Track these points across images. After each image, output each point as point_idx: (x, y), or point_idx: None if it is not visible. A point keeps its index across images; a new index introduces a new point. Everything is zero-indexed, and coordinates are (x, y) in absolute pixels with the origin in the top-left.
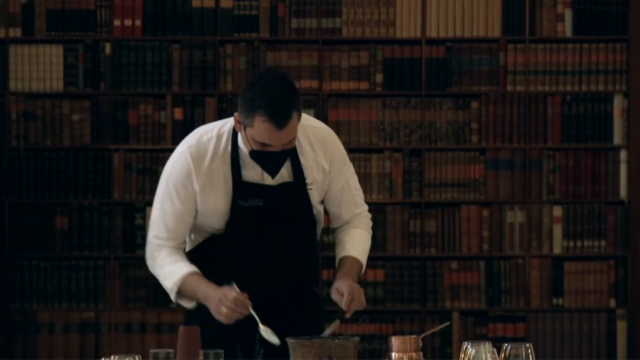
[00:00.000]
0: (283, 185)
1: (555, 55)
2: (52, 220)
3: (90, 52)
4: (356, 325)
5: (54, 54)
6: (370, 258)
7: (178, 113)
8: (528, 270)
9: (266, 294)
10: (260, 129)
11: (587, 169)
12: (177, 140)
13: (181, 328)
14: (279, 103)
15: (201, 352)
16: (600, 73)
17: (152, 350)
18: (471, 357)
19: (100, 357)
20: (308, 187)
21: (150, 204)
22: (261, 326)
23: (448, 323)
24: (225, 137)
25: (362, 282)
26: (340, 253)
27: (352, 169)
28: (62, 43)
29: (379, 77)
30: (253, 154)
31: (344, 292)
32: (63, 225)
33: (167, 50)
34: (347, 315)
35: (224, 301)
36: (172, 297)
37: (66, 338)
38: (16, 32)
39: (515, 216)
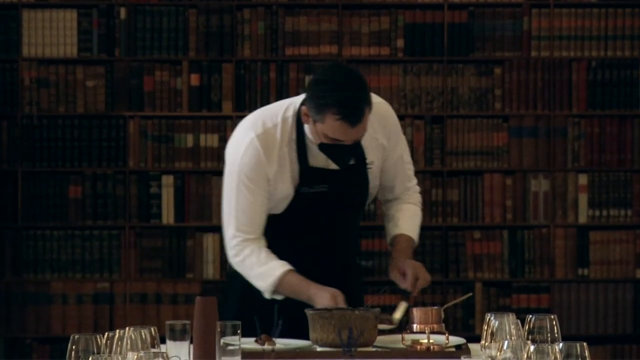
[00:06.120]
0: (347, 168)
1: (580, 20)
2: (66, 189)
3: (105, 17)
4: (377, 296)
5: (68, 19)
6: None
7: (194, 79)
8: (552, 240)
9: (314, 269)
10: (334, 127)
11: (612, 137)
12: (193, 107)
13: (198, 299)
14: (352, 102)
15: (218, 323)
16: (626, 38)
17: (168, 322)
18: (494, 329)
19: (115, 329)
20: (368, 166)
21: (165, 172)
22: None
23: (471, 294)
24: (290, 122)
25: (383, 252)
26: (394, 230)
27: (405, 142)
28: (76, 8)
29: (400, 43)
30: (322, 147)
31: (406, 271)
32: (77, 194)
33: (184, 15)
34: (415, 294)
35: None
36: (267, 296)
37: (80, 309)
38: None
39: (540, 185)
